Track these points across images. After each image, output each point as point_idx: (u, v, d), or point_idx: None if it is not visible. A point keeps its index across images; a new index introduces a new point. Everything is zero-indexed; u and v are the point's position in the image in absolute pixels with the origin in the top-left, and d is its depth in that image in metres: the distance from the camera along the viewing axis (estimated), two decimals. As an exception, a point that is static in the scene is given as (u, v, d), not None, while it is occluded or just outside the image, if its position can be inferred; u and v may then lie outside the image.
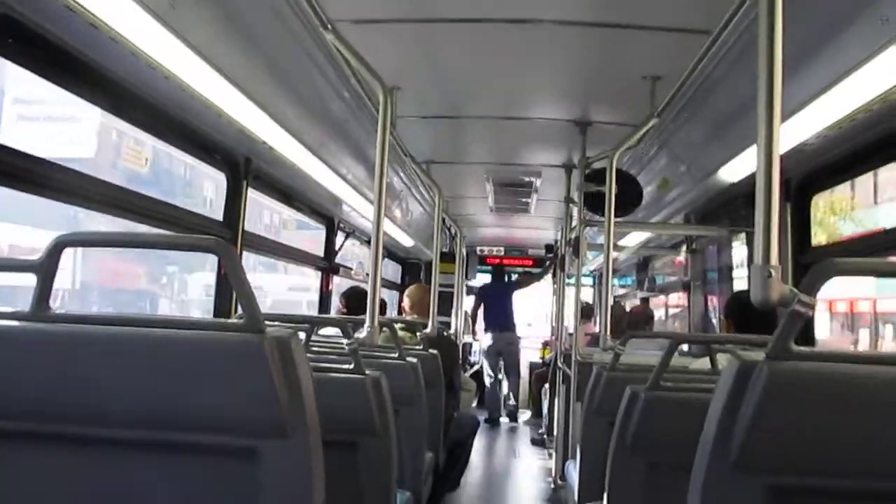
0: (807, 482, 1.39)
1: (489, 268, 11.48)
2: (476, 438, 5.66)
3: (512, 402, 10.05)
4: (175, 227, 3.27)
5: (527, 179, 6.34)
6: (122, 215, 3.01)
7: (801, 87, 2.63)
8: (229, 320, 1.53)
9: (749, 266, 4.62)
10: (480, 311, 10.06)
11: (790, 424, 1.36)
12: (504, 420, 9.98)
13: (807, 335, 3.62)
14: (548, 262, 9.73)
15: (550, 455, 6.91)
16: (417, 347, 4.22)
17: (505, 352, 9.81)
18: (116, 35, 2.19)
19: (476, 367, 10.84)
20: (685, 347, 4.58)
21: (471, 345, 11.20)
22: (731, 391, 1.38)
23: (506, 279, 10.54)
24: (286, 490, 1.44)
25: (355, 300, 4.86)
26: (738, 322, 3.34)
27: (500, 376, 10.02)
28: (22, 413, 1.47)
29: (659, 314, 8.51)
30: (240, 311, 1.45)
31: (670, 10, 2.84)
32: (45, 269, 1.46)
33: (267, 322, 1.46)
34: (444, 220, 6.33)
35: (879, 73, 2.30)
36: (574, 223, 5.09)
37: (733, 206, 4.60)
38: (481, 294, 10.31)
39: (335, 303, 5.79)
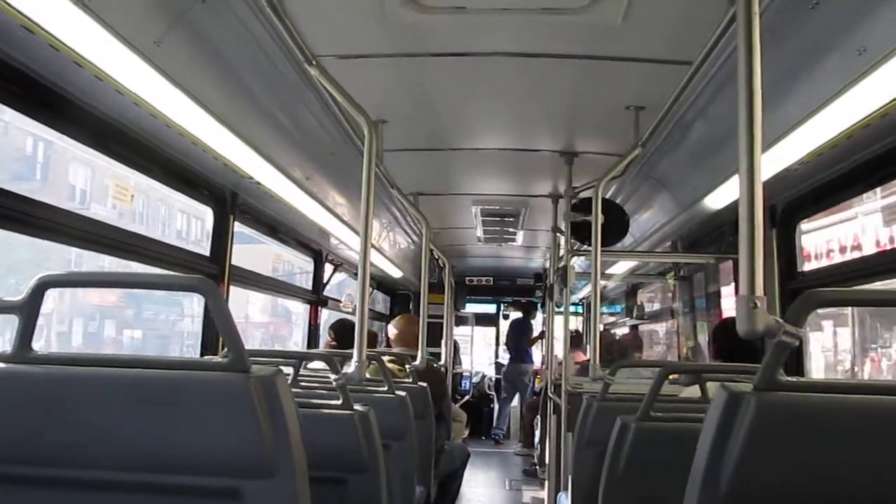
0: None
1: (485, 298, 11.95)
2: (467, 469, 5.62)
3: (502, 429, 10.92)
4: (161, 263, 3.25)
5: (514, 210, 6.36)
6: (108, 252, 2.99)
7: (782, 114, 2.66)
8: (214, 359, 1.51)
9: (736, 293, 4.66)
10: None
11: (780, 456, 1.35)
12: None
13: (797, 364, 3.63)
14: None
15: (542, 486, 6.85)
16: (407, 380, 4.19)
17: (517, 381, 10.72)
18: (101, 73, 2.20)
19: (467, 398, 10.85)
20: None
21: (461, 375, 11.18)
22: (720, 423, 1.38)
23: (530, 318, 11.11)
24: None
25: (344, 333, 4.83)
26: (724, 349, 3.35)
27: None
28: (2, 456, 1.45)
29: (648, 340, 8.51)
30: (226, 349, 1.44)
31: (652, 42, 2.87)
32: (28, 309, 1.45)
33: (252, 358, 1.45)
34: (431, 250, 6.34)
35: (858, 101, 2.33)
36: (562, 252, 5.10)
37: (720, 233, 4.62)
38: (509, 328, 11.23)
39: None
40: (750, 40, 1.55)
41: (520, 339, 10.83)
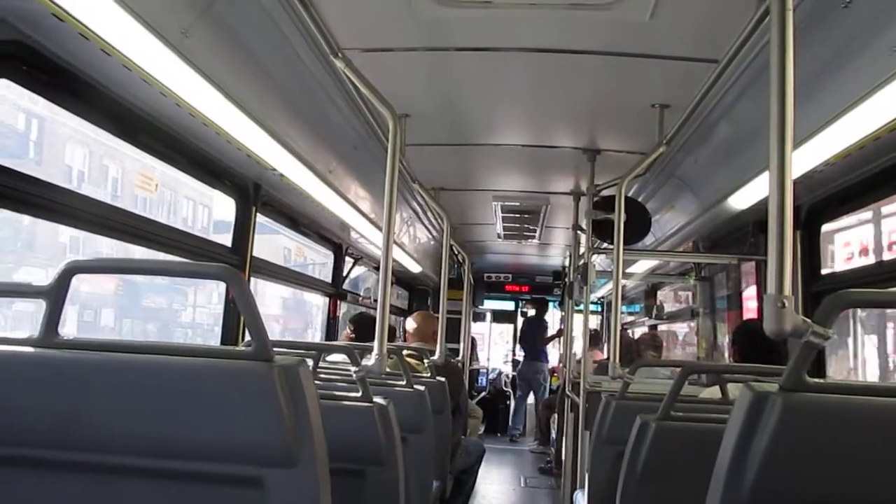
0: None
1: (503, 295, 11.89)
2: (483, 466, 5.61)
3: (519, 428, 10.88)
4: (183, 252, 3.27)
5: (535, 207, 6.35)
6: (130, 240, 3.01)
7: (811, 114, 2.63)
8: (237, 348, 1.51)
9: (758, 294, 4.62)
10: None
11: (805, 457, 1.34)
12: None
13: (818, 366, 3.59)
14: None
15: (558, 484, 6.84)
16: (425, 375, 4.20)
17: (532, 380, 10.69)
18: (129, 63, 2.21)
19: (483, 394, 10.87)
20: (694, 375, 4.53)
21: (478, 371, 11.19)
22: (745, 422, 1.37)
23: (544, 315, 11.02)
24: None
25: (363, 326, 4.83)
26: (745, 350, 3.33)
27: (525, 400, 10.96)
28: (28, 440, 1.46)
29: (666, 341, 8.47)
30: (248, 337, 1.44)
31: (679, 39, 2.85)
32: (55, 295, 1.46)
33: (274, 349, 1.45)
34: (451, 246, 6.34)
35: (888, 101, 2.30)
36: (582, 250, 5.08)
37: (742, 234, 4.59)
38: (523, 325, 11.30)
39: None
40: (783, 36, 1.54)
41: (534, 337, 10.77)
